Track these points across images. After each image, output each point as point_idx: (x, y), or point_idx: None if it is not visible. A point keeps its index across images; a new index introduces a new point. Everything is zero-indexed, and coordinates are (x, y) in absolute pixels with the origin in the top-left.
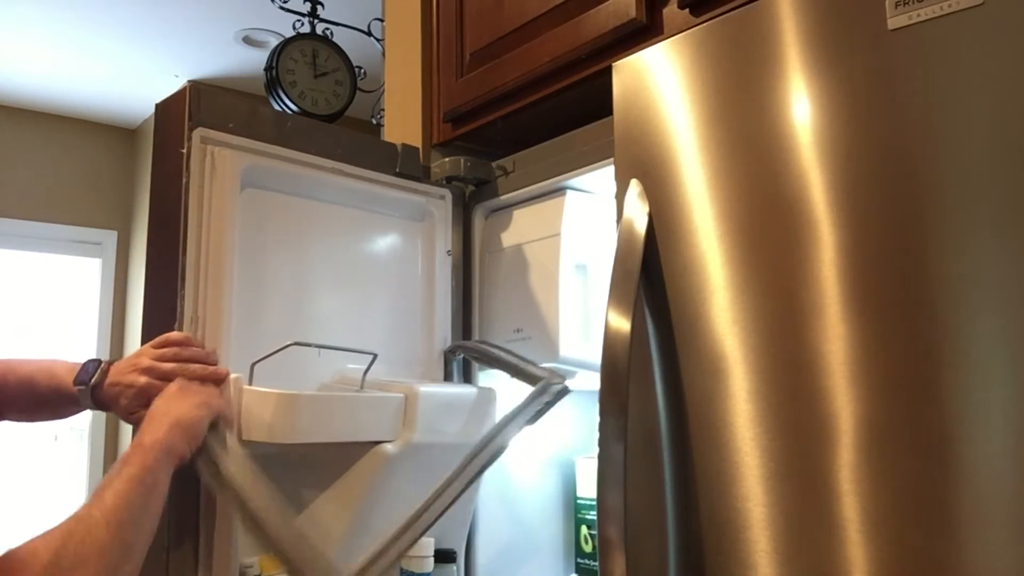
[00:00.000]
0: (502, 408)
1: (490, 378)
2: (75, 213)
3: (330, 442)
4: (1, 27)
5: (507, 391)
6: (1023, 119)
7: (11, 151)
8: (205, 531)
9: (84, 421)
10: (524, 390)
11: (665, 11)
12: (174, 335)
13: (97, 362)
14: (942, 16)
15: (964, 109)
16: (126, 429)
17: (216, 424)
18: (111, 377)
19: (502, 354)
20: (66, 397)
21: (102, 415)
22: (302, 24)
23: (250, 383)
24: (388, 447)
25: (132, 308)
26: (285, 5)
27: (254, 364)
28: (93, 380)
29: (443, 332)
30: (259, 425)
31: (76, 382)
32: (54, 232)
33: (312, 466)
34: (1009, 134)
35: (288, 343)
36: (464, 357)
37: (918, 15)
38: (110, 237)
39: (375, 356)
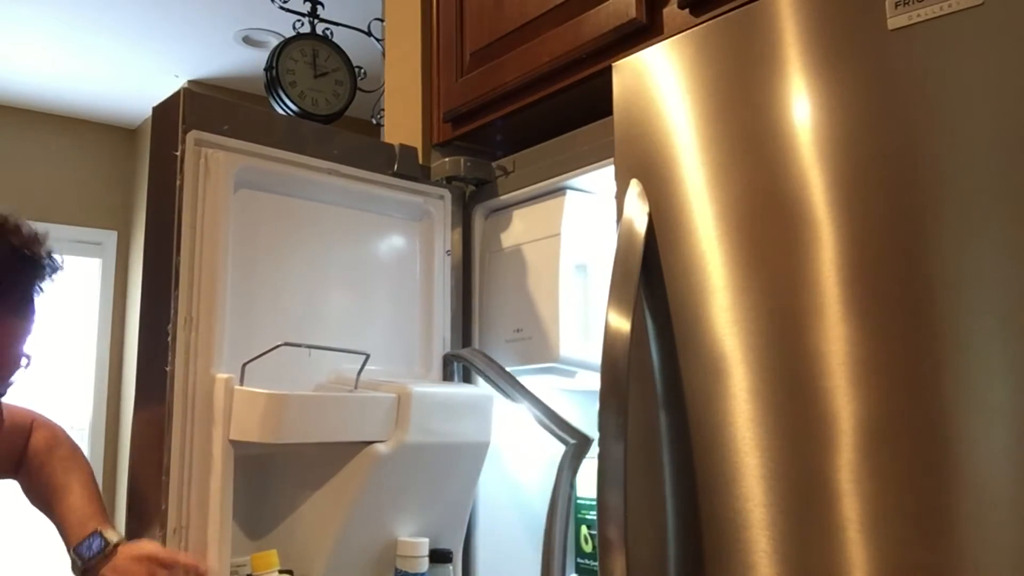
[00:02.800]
0: (500, 409)
1: None
2: (75, 213)
3: (321, 442)
4: (1, 27)
5: None
6: (1023, 119)
7: (11, 151)
8: (197, 530)
9: (84, 421)
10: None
11: (665, 11)
12: (182, 556)
13: (104, 542)
14: (942, 16)
15: (964, 109)
16: (126, 429)
17: None
18: (107, 569)
19: (493, 376)
20: (64, 539)
21: (102, 415)
22: (302, 24)
23: (241, 384)
24: (380, 447)
25: (132, 308)
26: (285, 5)
27: (245, 365)
28: (90, 561)
29: (442, 333)
30: (249, 425)
31: (76, 548)
32: (54, 232)
33: (304, 466)
34: (1009, 134)
35: (278, 344)
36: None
37: (918, 15)
38: (110, 237)
39: (367, 356)
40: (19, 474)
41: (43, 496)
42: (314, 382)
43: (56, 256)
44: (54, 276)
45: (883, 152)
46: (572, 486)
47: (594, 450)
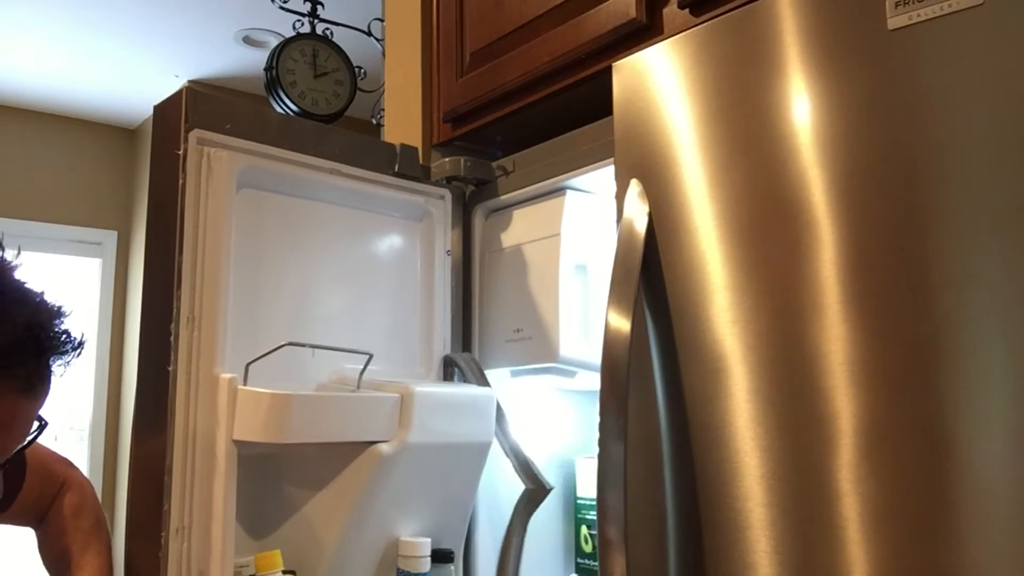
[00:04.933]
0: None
1: (492, 378)
2: (75, 213)
3: (325, 442)
4: (1, 28)
5: (508, 392)
6: (1023, 119)
7: (11, 151)
8: (200, 531)
9: (84, 421)
10: (526, 390)
11: (665, 11)
12: None
13: None
14: (942, 16)
15: (964, 109)
16: (126, 429)
17: None
18: None
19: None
20: None
21: (102, 415)
22: (302, 24)
23: (245, 383)
24: (383, 447)
25: (132, 308)
26: (285, 5)
27: (249, 364)
28: None
29: (443, 333)
30: (253, 425)
31: None
32: (54, 232)
33: (307, 466)
34: (1009, 134)
35: (282, 343)
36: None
37: (918, 15)
38: (110, 237)
39: (370, 356)
40: (39, 528)
41: (56, 565)
42: (315, 382)
43: (75, 333)
44: (72, 355)
45: (883, 152)
46: (525, 531)
47: (594, 450)
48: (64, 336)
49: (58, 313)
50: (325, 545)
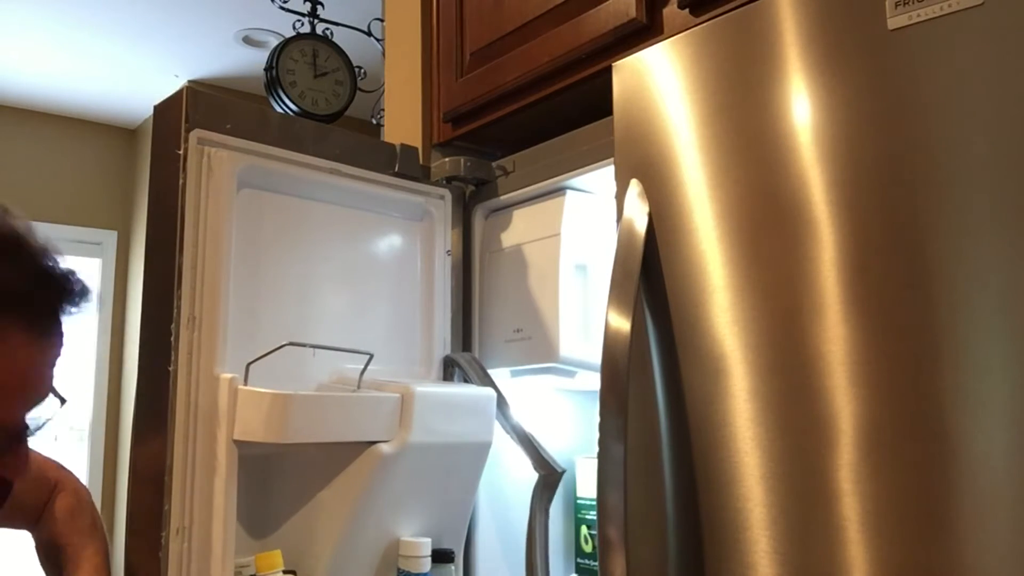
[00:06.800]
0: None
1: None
2: (75, 213)
3: (325, 442)
4: (1, 28)
5: (508, 392)
6: (1023, 119)
7: (11, 151)
8: (201, 531)
9: (84, 421)
10: (526, 390)
11: (665, 11)
12: None
13: None
14: (942, 16)
15: (964, 109)
16: (126, 429)
17: None
18: None
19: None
20: None
21: (102, 415)
22: (302, 24)
23: (246, 383)
24: (384, 447)
25: (132, 308)
26: (285, 5)
27: (249, 364)
28: None
29: (443, 333)
30: (253, 425)
31: None
32: (54, 232)
33: (307, 466)
34: (1009, 134)
35: (283, 343)
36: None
37: (918, 15)
38: (110, 237)
39: (371, 356)
40: (35, 530)
41: (54, 566)
42: (316, 382)
43: (85, 280)
44: (83, 300)
45: (883, 152)
46: (547, 515)
47: (594, 450)
48: (74, 277)
49: (57, 257)
50: (326, 545)
